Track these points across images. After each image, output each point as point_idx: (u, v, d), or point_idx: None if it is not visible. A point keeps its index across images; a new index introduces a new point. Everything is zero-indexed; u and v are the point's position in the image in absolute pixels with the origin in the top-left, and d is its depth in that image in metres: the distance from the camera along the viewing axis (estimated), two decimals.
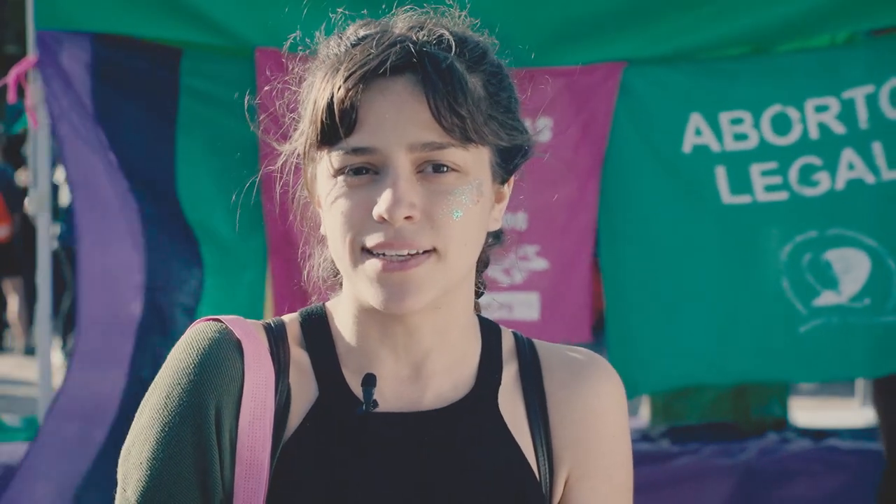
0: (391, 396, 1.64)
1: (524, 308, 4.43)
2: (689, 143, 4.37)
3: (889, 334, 4.39)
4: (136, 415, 1.62)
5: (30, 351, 11.25)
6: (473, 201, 1.58)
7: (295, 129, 1.66)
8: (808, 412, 6.25)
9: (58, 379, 5.32)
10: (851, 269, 4.37)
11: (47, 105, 4.30)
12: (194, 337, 1.63)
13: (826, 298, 4.38)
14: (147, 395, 1.62)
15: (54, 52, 4.27)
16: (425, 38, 1.59)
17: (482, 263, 1.73)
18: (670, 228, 4.41)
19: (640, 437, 5.51)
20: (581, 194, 4.38)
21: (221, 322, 1.64)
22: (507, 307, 4.40)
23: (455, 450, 1.63)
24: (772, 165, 4.37)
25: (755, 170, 4.37)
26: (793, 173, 4.37)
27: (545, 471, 1.67)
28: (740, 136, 4.36)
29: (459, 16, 1.66)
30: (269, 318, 1.71)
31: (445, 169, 1.56)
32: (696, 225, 4.41)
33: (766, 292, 4.39)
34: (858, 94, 4.32)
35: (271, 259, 4.34)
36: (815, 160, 4.35)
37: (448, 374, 1.67)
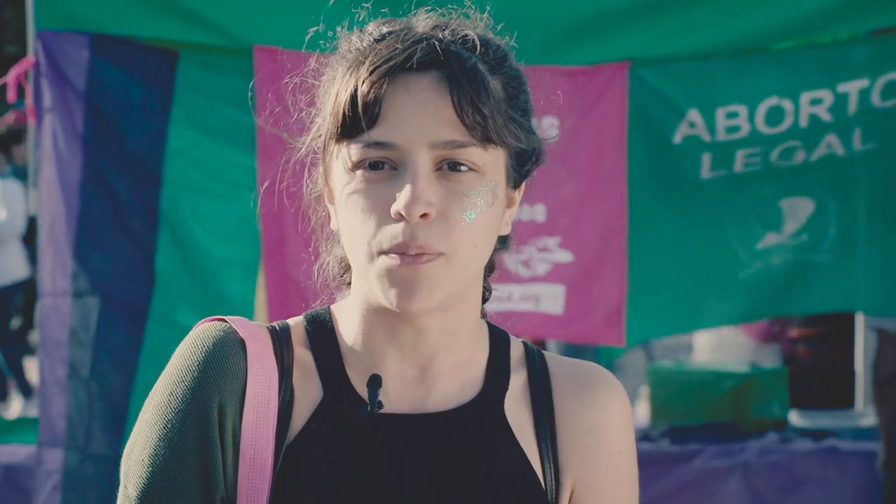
0: (396, 397, 1.64)
1: (549, 301, 4.42)
2: (680, 135, 4.42)
3: (820, 274, 4.63)
4: (140, 413, 1.63)
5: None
6: (488, 203, 1.58)
7: (312, 123, 1.66)
8: (807, 412, 6.25)
9: None
10: (797, 212, 4.61)
11: (44, 104, 4.30)
12: (198, 336, 1.63)
13: (768, 240, 4.63)
14: (151, 393, 1.63)
15: (53, 52, 4.27)
16: (450, 37, 1.59)
17: (488, 268, 1.73)
18: (657, 203, 4.58)
19: (640, 437, 5.50)
20: (605, 191, 4.39)
21: (226, 322, 1.64)
22: (534, 298, 4.40)
23: (460, 452, 1.63)
24: (755, 150, 4.49)
25: (739, 154, 4.50)
26: (774, 155, 4.50)
27: (551, 479, 1.67)
28: (733, 129, 4.41)
29: (480, 18, 1.66)
30: (276, 322, 1.71)
31: (464, 168, 1.56)
32: (678, 199, 4.57)
33: (717, 247, 4.63)
34: (853, 88, 4.36)
35: (265, 263, 4.32)
36: (797, 143, 4.47)
37: (454, 376, 1.67)
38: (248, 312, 4.35)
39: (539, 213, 4.37)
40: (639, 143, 4.46)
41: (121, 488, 1.60)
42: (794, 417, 5.87)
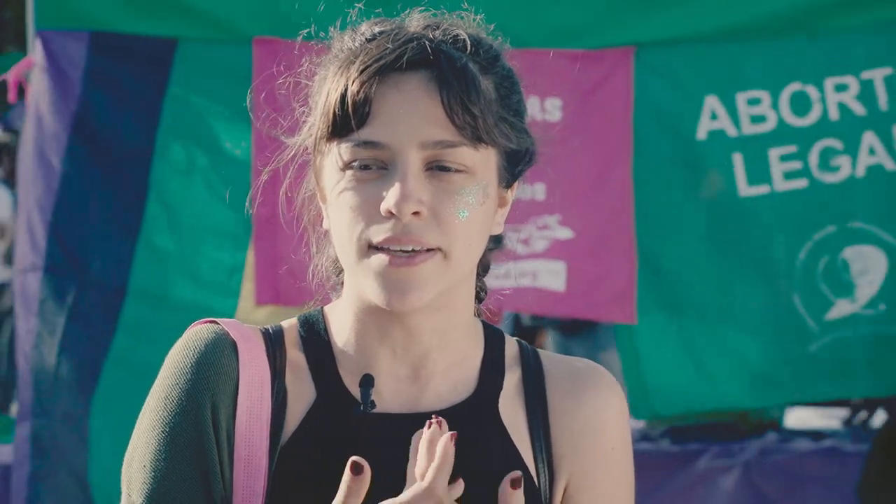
0: (389, 397, 1.64)
1: (549, 277, 4.34)
2: (703, 129, 4.28)
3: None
4: (138, 419, 1.63)
5: None
6: (479, 202, 1.58)
7: (304, 122, 1.66)
8: (807, 412, 6.27)
9: None
10: (869, 270, 4.25)
11: (37, 102, 4.29)
12: (190, 338, 1.64)
13: (840, 309, 4.25)
14: (147, 398, 1.63)
15: (53, 51, 4.27)
16: (441, 36, 1.60)
17: (482, 268, 1.73)
18: (685, 229, 4.31)
19: (640, 437, 5.50)
20: (609, 171, 4.31)
21: (217, 324, 1.65)
22: (531, 275, 4.32)
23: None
24: (791, 149, 4.26)
25: (774, 154, 4.27)
26: (813, 157, 4.26)
27: (544, 479, 1.67)
28: (758, 119, 4.27)
29: (474, 18, 1.66)
30: (268, 324, 1.71)
31: (454, 168, 1.57)
32: (711, 225, 4.30)
33: (778, 308, 4.26)
34: (877, 76, 4.24)
35: (256, 240, 4.26)
36: (836, 143, 4.25)
37: (447, 375, 1.67)
38: (236, 287, 4.31)
39: (539, 191, 4.32)
40: (654, 139, 4.28)
41: (123, 496, 1.61)
42: (794, 417, 5.87)
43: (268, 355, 1.64)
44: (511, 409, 1.68)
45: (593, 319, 5.05)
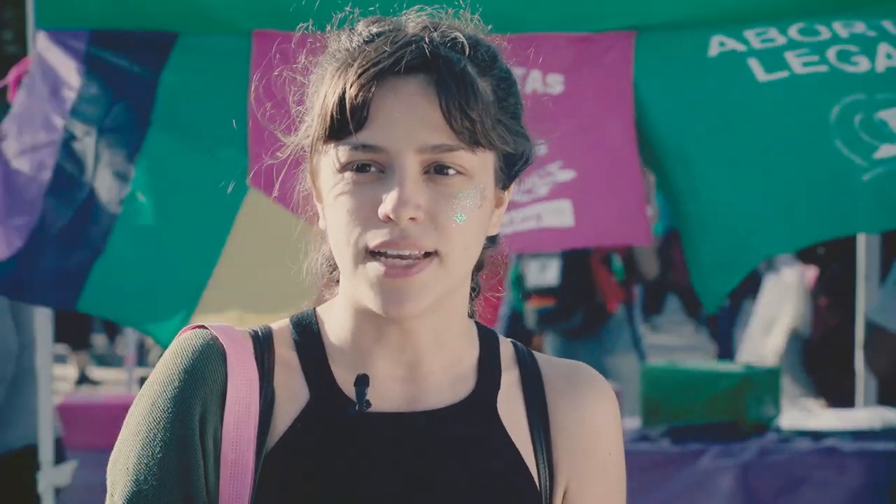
0: (385, 396, 1.64)
1: (555, 216, 4.29)
2: (714, 51, 4.24)
3: None
4: (125, 422, 1.65)
5: None
6: (477, 205, 1.59)
7: (301, 121, 1.66)
8: (806, 413, 6.25)
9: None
10: None
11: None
12: (180, 346, 1.65)
13: (886, 150, 4.10)
14: (135, 402, 1.65)
15: (52, 51, 4.27)
16: (439, 39, 1.59)
17: (477, 266, 1.73)
18: (711, 123, 4.24)
19: (640, 437, 5.49)
20: (610, 116, 4.26)
21: (207, 329, 1.65)
22: (535, 217, 4.28)
23: (452, 451, 1.63)
24: (806, 50, 4.22)
25: (789, 55, 4.22)
26: (830, 54, 4.21)
27: (545, 478, 1.67)
28: (768, 40, 4.22)
29: (471, 18, 1.66)
30: (258, 326, 1.71)
31: (452, 171, 1.57)
32: (734, 114, 4.23)
33: (821, 156, 4.13)
34: (889, 23, 4.23)
35: (251, 136, 4.14)
36: (852, 48, 4.20)
37: (444, 375, 1.67)
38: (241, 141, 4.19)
39: (541, 148, 4.28)
40: (660, 72, 4.26)
41: (107, 495, 1.63)
42: (793, 417, 5.87)
43: (256, 358, 1.65)
44: (510, 409, 1.68)
45: (607, 245, 4.85)
